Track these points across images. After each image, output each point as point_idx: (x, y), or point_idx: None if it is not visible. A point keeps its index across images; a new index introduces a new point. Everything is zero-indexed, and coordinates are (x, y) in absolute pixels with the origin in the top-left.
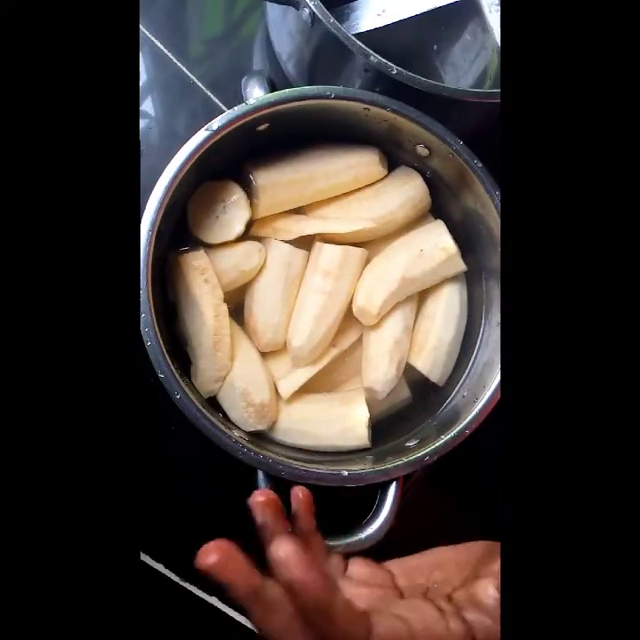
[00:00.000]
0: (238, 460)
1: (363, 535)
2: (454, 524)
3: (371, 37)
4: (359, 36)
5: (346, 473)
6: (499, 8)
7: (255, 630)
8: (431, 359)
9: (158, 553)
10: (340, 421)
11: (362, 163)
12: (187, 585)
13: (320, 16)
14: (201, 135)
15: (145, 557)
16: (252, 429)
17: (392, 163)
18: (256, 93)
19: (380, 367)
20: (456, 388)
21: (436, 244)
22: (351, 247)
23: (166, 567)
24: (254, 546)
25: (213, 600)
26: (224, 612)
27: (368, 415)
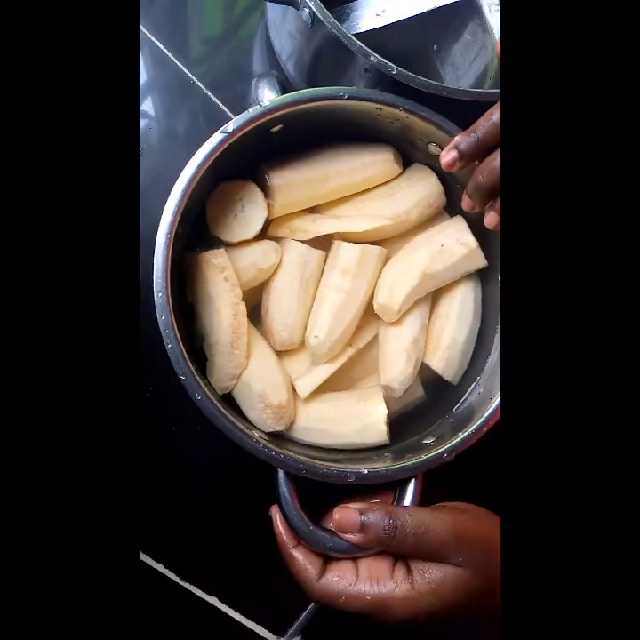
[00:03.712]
0: (253, 460)
1: None
2: None
3: (371, 37)
4: (359, 35)
5: (366, 471)
6: (499, 8)
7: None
8: (445, 358)
9: (158, 553)
10: (358, 419)
11: (376, 161)
12: (187, 585)
13: (320, 16)
14: (216, 138)
15: (145, 557)
16: (271, 430)
17: (405, 161)
18: (267, 95)
19: (398, 365)
20: (472, 386)
21: (457, 240)
22: (369, 245)
23: (166, 567)
24: (253, 547)
25: (213, 600)
26: (224, 612)
27: (386, 412)
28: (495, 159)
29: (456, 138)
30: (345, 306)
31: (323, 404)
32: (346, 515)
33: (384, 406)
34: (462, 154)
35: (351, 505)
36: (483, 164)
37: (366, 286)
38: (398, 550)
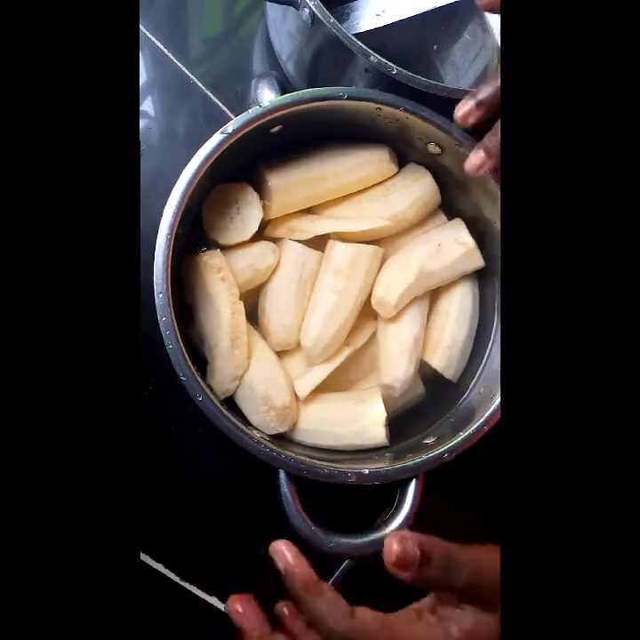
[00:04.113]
0: (254, 460)
1: (385, 531)
2: (458, 524)
3: (371, 37)
4: (359, 35)
5: (367, 471)
6: None
7: None
8: (446, 357)
9: (158, 553)
10: (357, 421)
11: (372, 160)
12: (187, 585)
13: (320, 16)
14: (216, 138)
15: (145, 557)
16: (274, 432)
17: (401, 161)
18: (267, 95)
19: (399, 365)
20: (471, 385)
21: (455, 240)
22: (362, 245)
23: (166, 567)
24: (253, 547)
25: (213, 600)
26: (224, 613)
27: (385, 414)
28: None
29: (471, 92)
30: (338, 306)
31: (322, 405)
32: (407, 549)
33: (382, 409)
34: (481, 101)
35: (405, 534)
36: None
37: (360, 285)
38: (445, 589)
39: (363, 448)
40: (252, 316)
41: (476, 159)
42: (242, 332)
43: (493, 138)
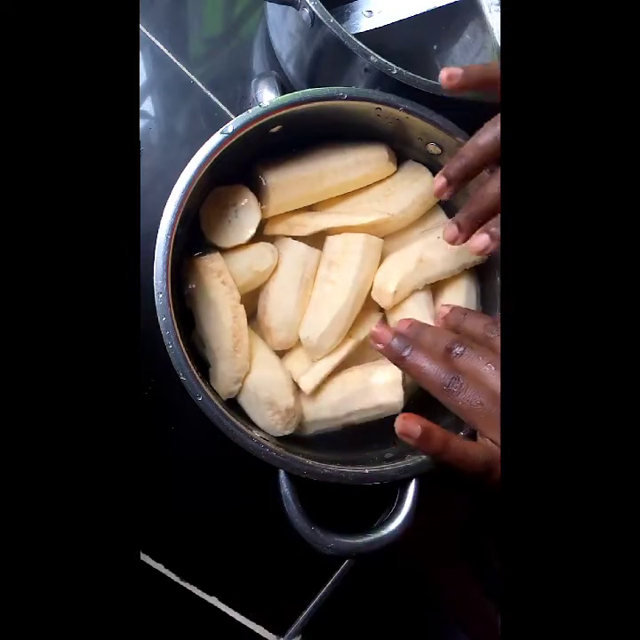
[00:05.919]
0: (254, 460)
1: (385, 532)
2: (461, 522)
3: (371, 37)
4: (359, 35)
5: (367, 471)
6: (499, 8)
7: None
8: None
9: (158, 553)
10: (371, 388)
11: (371, 159)
12: (187, 585)
13: (320, 16)
14: (216, 138)
15: (145, 557)
16: (281, 434)
17: (401, 160)
18: (267, 95)
19: None
20: None
21: None
22: (351, 234)
23: (166, 567)
24: (253, 547)
25: (213, 600)
26: (224, 612)
27: (400, 374)
28: (483, 186)
29: (445, 166)
30: (333, 296)
31: (333, 386)
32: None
33: (394, 369)
34: (450, 179)
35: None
36: (473, 195)
37: (355, 274)
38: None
39: (377, 414)
40: (250, 319)
41: (479, 242)
42: (243, 335)
43: (495, 220)
